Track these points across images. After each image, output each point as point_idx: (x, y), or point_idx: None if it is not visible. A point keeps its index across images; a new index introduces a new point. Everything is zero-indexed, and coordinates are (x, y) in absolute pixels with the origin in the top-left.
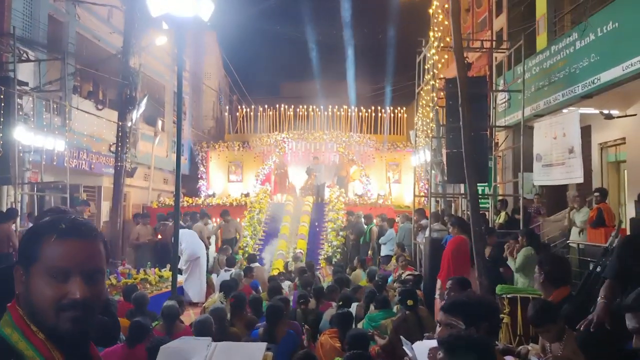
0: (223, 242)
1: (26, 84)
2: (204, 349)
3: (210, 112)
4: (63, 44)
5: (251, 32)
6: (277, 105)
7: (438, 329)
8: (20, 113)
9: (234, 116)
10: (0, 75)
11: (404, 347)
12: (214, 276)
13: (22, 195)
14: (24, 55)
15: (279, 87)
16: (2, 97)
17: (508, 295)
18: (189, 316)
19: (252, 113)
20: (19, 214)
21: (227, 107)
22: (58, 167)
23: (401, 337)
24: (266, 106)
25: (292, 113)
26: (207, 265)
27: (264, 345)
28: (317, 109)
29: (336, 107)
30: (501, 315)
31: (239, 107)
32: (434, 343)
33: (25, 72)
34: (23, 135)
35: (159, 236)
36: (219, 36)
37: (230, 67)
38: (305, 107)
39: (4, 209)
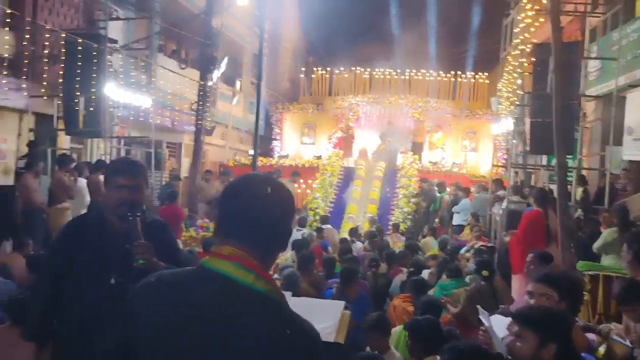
0: None
1: (115, 41)
2: None
3: (286, 73)
4: (150, 2)
5: None
6: (353, 68)
7: (531, 300)
8: (111, 70)
9: (310, 78)
10: (92, 33)
11: (480, 317)
12: None
13: (111, 148)
14: (115, 13)
15: (356, 49)
16: (94, 53)
17: (590, 272)
18: None
19: (327, 75)
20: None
21: (303, 69)
22: (144, 122)
23: (478, 307)
24: (342, 69)
25: (368, 76)
26: None
27: (342, 303)
28: (394, 73)
29: (413, 71)
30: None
31: (315, 69)
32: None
33: (115, 30)
34: (113, 91)
35: None
36: None
37: (308, 28)
38: (381, 70)
39: (94, 161)
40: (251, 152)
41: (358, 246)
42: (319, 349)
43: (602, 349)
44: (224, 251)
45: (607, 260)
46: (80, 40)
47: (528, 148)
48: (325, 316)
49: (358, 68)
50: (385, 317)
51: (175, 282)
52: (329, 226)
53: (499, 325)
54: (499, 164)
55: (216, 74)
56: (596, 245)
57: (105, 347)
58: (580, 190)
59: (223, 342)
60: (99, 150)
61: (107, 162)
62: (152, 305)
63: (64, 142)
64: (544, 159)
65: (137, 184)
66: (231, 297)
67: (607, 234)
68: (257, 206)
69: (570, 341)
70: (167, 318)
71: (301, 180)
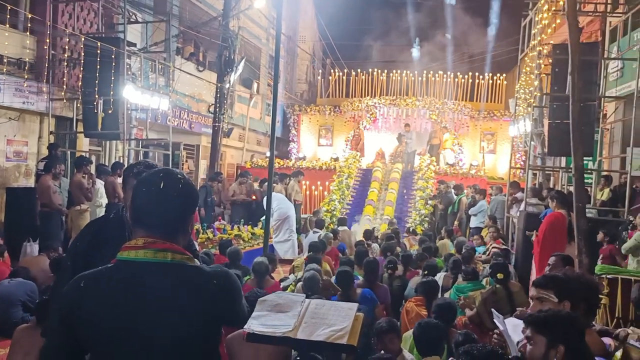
0: None
1: (134, 44)
2: (299, 304)
3: (304, 75)
4: (168, 5)
5: None
6: (370, 70)
7: (532, 304)
8: (129, 73)
9: (327, 80)
10: (111, 36)
11: (494, 320)
12: (302, 236)
13: (129, 150)
14: (133, 16)
15: (373, 51)
16: (113, 57)
17: (608, 276)
18: (278, 273)
19: (344, 77)
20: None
21: (320, 71)
22: (161, 125)
23: (492, 310)
24: (359, 70)
25: (384, 78)
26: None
27: (355, 305)
28: (411, 74)
29: (431, 72)
30: (599, 296)
31: (332, 71)
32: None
33: (133, 33)
34: (131, 94)
35: (254, 197)
36: None
37: (325, 30)
38: (398, 72)
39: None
40: (268, 154)
41: (376, 248)
42: (236, 280)
43: (618, 354)
44: (139, 242)
45: (633, 264)
46: (99, 44)
47: (546, 150)
48: (338, 318)
49: (375, 70)
50: (394, 322)
51: (105, 280)
52: (345, 228)
53: (514, 328)
54: (517, 165)
55: (233, 76)
56: (626, 246)
57: (49, 349)
58: (607, 190)
59: (170, 314)
60: (117, 152)
61: (124, 164)
62: (93, 306)
63: (83, 144)
64: (563, 161)
65: None
66: (160, 276)
67: (638, 235)
68: (155, 200)
69: (581, 343)
70: (113, 314)
71: (318, 182)
